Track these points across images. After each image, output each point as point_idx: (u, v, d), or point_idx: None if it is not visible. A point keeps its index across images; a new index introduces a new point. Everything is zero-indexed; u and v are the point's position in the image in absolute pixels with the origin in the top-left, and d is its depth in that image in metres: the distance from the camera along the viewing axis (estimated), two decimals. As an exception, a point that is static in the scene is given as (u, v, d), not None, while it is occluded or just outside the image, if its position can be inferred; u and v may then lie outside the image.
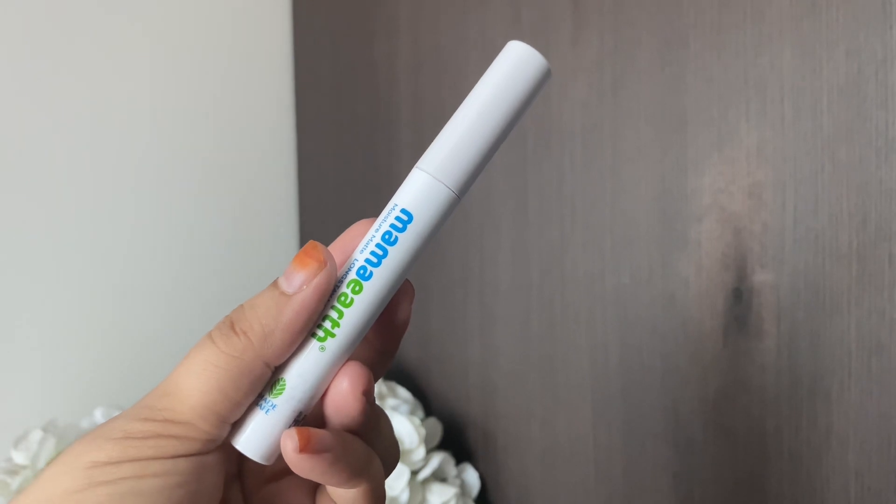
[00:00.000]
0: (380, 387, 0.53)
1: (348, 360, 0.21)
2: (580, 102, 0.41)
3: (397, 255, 0.21)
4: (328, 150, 0.69)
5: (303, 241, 0.74)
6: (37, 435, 0.48)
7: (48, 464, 0.20)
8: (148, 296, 0.68)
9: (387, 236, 0.21)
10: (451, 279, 0.52)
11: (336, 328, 0.21)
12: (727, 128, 0.33)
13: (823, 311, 0.30)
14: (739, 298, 0.33)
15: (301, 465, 0.20)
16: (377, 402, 0.51)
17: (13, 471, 0.47)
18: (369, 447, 0.22)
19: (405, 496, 0.46)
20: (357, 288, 0.21)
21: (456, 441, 0.53)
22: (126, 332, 0.66)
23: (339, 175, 0.67)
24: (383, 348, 0.23)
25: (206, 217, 0.71)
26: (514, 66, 0.21)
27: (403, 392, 0.54)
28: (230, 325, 0.20)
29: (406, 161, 0.56)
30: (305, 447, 0.19)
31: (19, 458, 0.48)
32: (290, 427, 0.20)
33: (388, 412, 0.50)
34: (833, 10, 0.29)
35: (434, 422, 0.52)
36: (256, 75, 0.73)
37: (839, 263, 0.29)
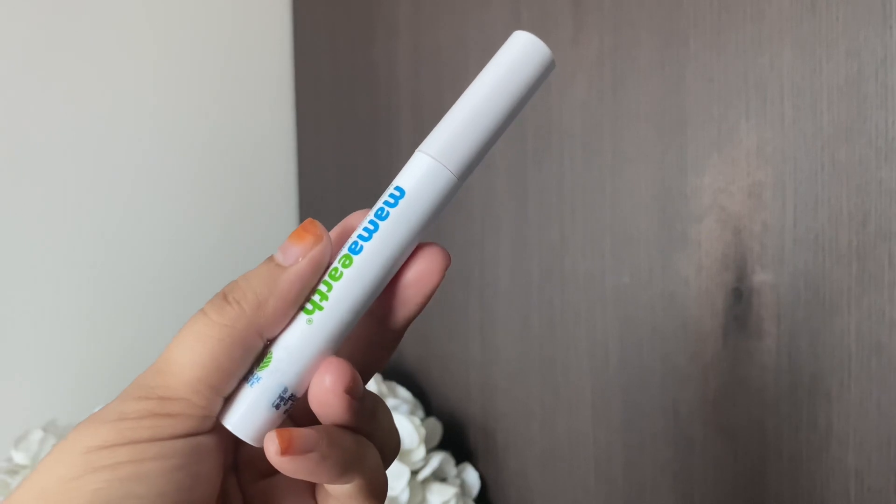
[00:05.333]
0: (380, 387, 0.53)
1: (332, 356, 0.20)
2: (580, 102, 0.41)
3: (388, 230, 0.20)
4: (328, 150, 0.70)
5: (303, 241, 0.74)
6: (37, 435, 0.48)
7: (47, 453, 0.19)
8: (148, 297, 0.68)
9: (379, 212, 0.21)
10: (451, 279, 0.52)
11: (324, 301, 0.20)
12: (727, 128, 0.33)
13: (823, 311, 0.30)
14: (739, 298, 0.33)
15: (285, 466, 0.19)
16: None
17: (13, 471, 0.47)
18: (363, 440, 0.21)
19: (405, 496, 0.46)
20: (347, 262, 0.20)
21: (456, 441, 0.53)
22: (126, 332, 0.66)
23: (339, 175, 0.67)
24: (393, 325, 0.22)
25: (207, 217, 0.71)
26: (518, 55, 0.21)
27: (403, 392, 0.54)
28: (223, 296, 0.20)
29: (406, 161, 0.55)
30: (287, 449, 0.19)
31: (19, 458, 0.48)
32: (276, 405, 0.20)
33: (388, 412, 0.50)
34: (833, 10, 0.29)
35: (434, 422, 0.52)
36: (256, 75, 0.73)
37: (839, 263, 0.29)
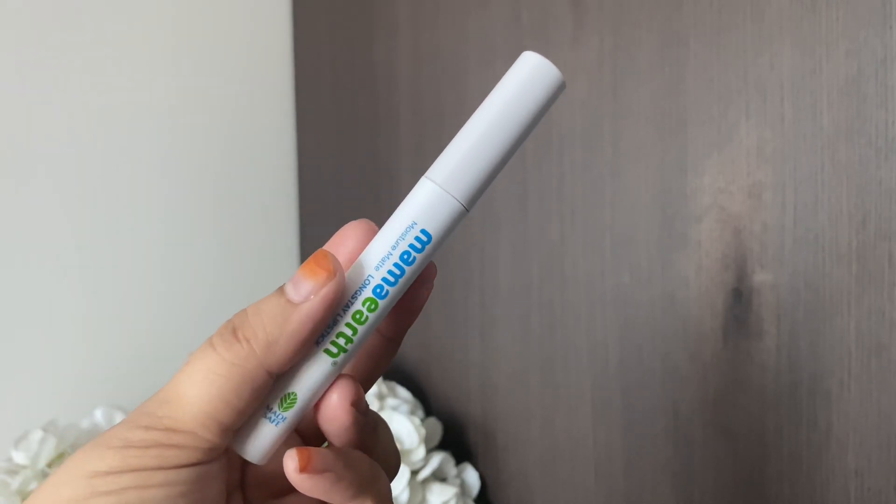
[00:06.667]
0: (380, 387, 0.53)
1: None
2: (580, 102, 0.41)
3: (412, 272, 0.21)
4: (328, 150, 0.69)
5: (303, 241, 0.74)
6: (37, 435, 0.48)
7: (52, 472, 0.20)
8: (148, 296, 0.68)
9: (405, 256, 0.21)
10: (451, 279, 0.52)
11: (349, 344, 0.21)
12: (727, 128, 0.33)
13: (823, 311, 0.30)
14: (739, 298, 0.33)
15: (303, 484, 0.20)
16: (378, 402, 0.51)
17: (13, 471, 0.47)
18: (376, 465, 0.22)
19: (405, 496, 0.46)
20: (373, 307, 0.21)
21: (456, 441, 0.53)
22: (126, 333, 0.66)
23: (339, 175, 0.67)
24: (394, 335, 0.23)
25: (206, 218, 0.71)
26: (528, 77, 0.21)
27: (403, 392, 0.54)
28: (232, 331, 0.20)
29: (406, 161, 0.56)
30: (306, 467, 0.19)
31: (19, 458, 0.48)
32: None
33: (388, 412, 0.50)
34: (833, 9, 0.29)
35: (434, 422, 0.52)
36: (256, 75, 0.73)
37: (839, 263, 0.29)
